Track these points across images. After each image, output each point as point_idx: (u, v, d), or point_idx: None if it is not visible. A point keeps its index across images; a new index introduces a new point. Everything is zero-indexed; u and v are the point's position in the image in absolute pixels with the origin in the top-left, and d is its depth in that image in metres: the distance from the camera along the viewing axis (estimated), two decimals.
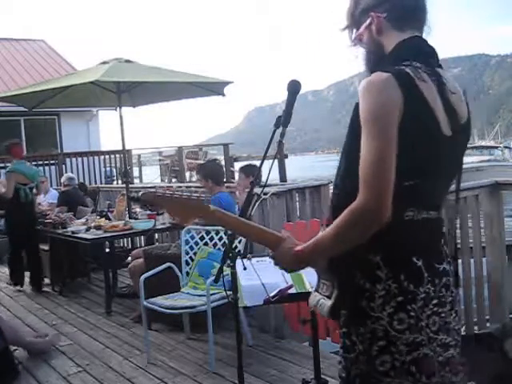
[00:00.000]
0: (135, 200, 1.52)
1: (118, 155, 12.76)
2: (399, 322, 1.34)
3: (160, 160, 17.41)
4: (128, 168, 7.01)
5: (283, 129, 1.69)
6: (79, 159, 12.41)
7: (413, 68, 1.35)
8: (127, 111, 6.96)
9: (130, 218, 5.69)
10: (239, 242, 3.68)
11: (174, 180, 15.31)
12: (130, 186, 6.70)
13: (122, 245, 7.01)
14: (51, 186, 9.04)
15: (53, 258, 5.99)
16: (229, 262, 1.99)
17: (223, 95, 6.46)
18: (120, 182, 12.47)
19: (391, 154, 1.27)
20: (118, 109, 5.94)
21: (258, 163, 2.16)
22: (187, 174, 15.45)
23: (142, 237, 6.27)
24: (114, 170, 13.39)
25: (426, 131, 1.33)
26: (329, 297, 1.42)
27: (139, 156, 16.25)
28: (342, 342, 1.43)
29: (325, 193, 4.46)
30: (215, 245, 4.04)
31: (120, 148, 6.41)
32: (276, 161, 2.26)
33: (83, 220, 5.75)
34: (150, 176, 17.66)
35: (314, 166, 65.47)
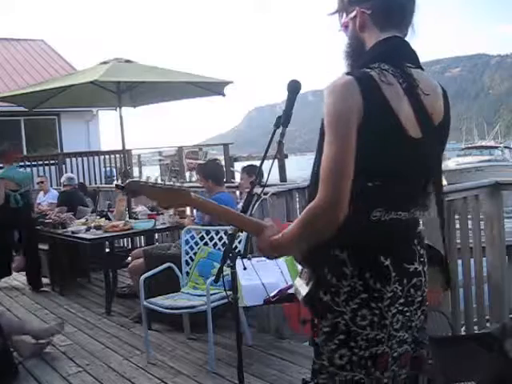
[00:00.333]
0: (120, 188, 1.55)
1: (117, 155, 12.76)
2: (362, 318, 1.37)
3: (160, 160, 17.43)
4: (128, 168, 7.02)
5: (283, 129, 1.69)
6: (79, 159, 12.40)
7: (379, 70, 1.37)
8: (127, 111, 6.96)
9: (130, 217, 5.70)
10: (239, 242, 3.68)
11: (173, 180, 15.30)
12: None
13: (122, 245, 7.01)
14: (51, 185, 9.04)
15: (53, 258, 5.98)
16: (229, 261, 1.98)
17: (223, 95, 6.46)
18: (120, 182, 12.45)
19: (347, 156, 1.30)
20: (117, 109, 5.95)
21: (258, 163, 2.16)
22: (187, 174, 15.47)
23: (142, 237, 6.28)
24: (114, 169, 13.39)
25: (387, 133, 1.34)
26: (307, 284, 1.45)
27: (139, 156, 16.25)
28: (311, 333, 1.47)
29: None
30: (215, 245, 4.03)
31: (120, 148, 6.42)
32: (276, 161, 2.26)
33: (83, 220, 5.75)
34: (150, 176, 17.64)
35: None
